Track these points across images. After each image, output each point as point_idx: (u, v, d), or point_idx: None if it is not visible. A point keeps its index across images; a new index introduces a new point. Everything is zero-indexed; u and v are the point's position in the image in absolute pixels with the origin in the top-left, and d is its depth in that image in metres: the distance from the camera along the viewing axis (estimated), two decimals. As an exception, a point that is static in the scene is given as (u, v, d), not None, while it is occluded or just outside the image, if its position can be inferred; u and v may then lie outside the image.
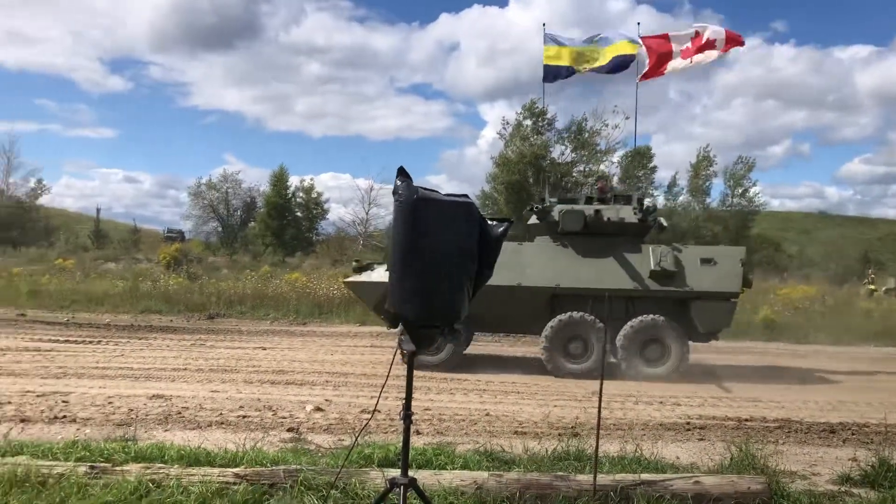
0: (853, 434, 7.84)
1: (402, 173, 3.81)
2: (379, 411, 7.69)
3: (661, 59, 13.40)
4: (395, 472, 5.13)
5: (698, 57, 13.10)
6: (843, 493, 5.65)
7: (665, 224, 12.47)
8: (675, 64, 13.27)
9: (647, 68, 13.58)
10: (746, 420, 8.36)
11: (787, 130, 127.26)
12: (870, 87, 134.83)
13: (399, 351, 3.87)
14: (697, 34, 13.17)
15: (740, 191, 45.98)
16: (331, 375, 10.48)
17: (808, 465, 6.60)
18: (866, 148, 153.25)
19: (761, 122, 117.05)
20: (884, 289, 26.17)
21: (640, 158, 44.90)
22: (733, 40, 13.16)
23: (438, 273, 3.72)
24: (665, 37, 13.40)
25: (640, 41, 13.71)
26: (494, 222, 3.98)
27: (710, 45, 13.00)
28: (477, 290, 3.92)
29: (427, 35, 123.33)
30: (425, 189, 3.79)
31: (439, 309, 3.77)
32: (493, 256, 3.91)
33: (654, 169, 45.49)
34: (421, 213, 3.71)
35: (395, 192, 3.74)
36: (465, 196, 3.92)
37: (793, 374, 12.32)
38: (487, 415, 8.18)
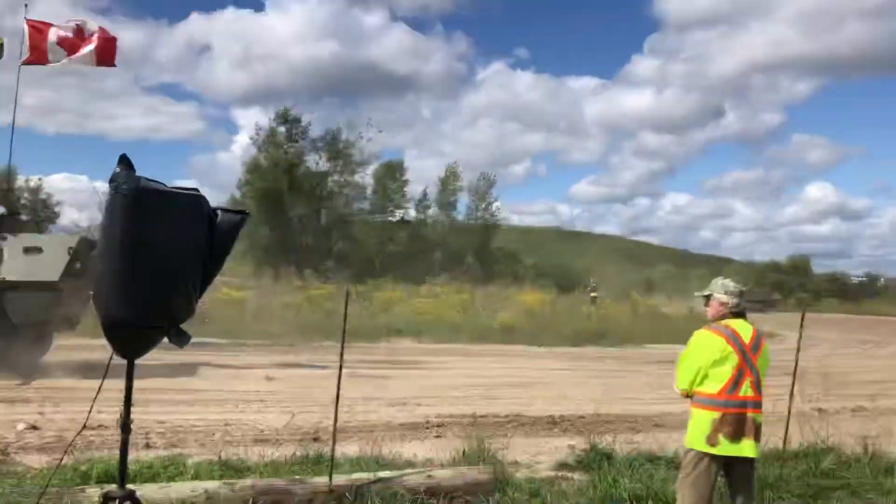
0: (572, 424, 8.60)
1: (123, 161, 3.53)
2: (106, 427, 7.13)
3: (42, 48, 12.75)
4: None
5: (77, 56, 12.89)
6: (560, 477, 6.16)
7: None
8: (57, 55, 12.76)
9: (29, 54, 12.83)
10: (481, 416, 8.83)
11: (526, 151, 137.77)
12: (595, 116, 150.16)
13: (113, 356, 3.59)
14: (79, 28, 12.85)
15: (483, 206, 48.87)
16: (49, 391, 9.49)
17: (532, 454, 7.12)
18: (592, 170, 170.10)
19: (504, 142, 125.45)
20: (591, 295, 28.86)
21: (391, 171, 46.07)
22: (107, 55, 12.97)
23: (162, 271, 3.48)
24: (48, 25, 12.79)
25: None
26: (228, 213, 3.79)
27: (88, 40, 12.79)
28: (206, 286, 3.74)
29: (177, 33, 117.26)
30: (150, 180, 3.55)
31: (163, 309, 3.53)
32: (223, 249, 3.73)
33: (406, 182, 46.85)
34: (144, 205, 3.46)
35: (112, 181, 3.44)
36: (195, 189, 3.73)
37: (526, 372, 13.25)
38: (227, 425, 7.89)
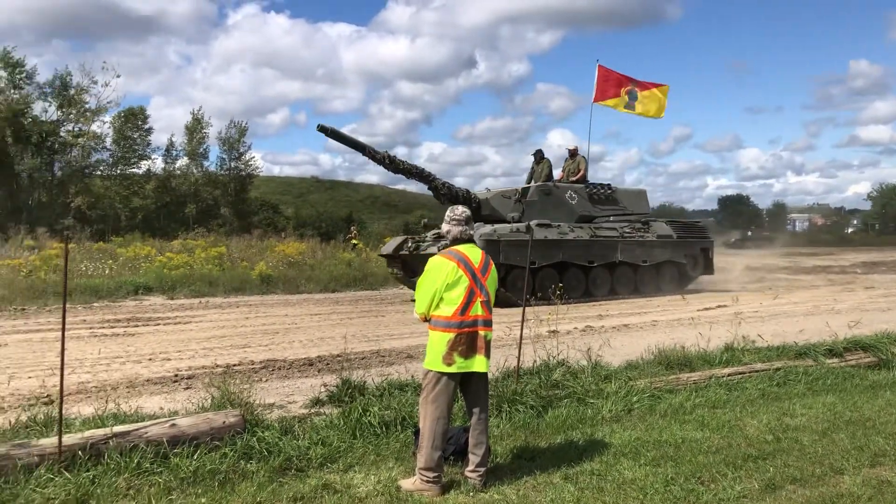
0: (328, 364, 8.68)
1: None
2: None
3: None
4: None
5: None
6: (313, 413, 6.23)
7: None
8: None
9: None
10: (235, 365, 8.63)
11: (284, 99, 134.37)
12: (353, 64, 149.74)
13: None
14: None
15: (236, 155, 47.14)
16: None
17: (286, 395, 7.12)
18: (353, 118, 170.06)
19: (260, 89, 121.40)
20: (353, 242, 28.90)
21: (133, 120, 42.86)
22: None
23: None
24: None
25: None
26: None
27: None
28: None
29: None
30: None
31: None
32: None
33: (150, 131, 43.85)
34: None
35: None
36: None
37: (284, 320, 13.12)
38: (-61, 398, 7.00)
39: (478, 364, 4.58)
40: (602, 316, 13.61)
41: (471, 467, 4.67)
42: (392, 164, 16.11)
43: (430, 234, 17.23)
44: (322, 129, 15.40)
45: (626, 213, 18.95)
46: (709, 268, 19.85)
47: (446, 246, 4.81)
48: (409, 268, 17.27)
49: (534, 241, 15.63)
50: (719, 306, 14.92)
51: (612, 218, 18.44)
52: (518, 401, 6.21)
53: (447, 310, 4.56)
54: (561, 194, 17.82)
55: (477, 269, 4.64)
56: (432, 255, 15.71)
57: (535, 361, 7.37)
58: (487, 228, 15.65)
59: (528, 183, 18.42)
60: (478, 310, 4.60)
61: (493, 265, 4.82)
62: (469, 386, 4.73)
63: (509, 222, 16.37)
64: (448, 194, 16.68)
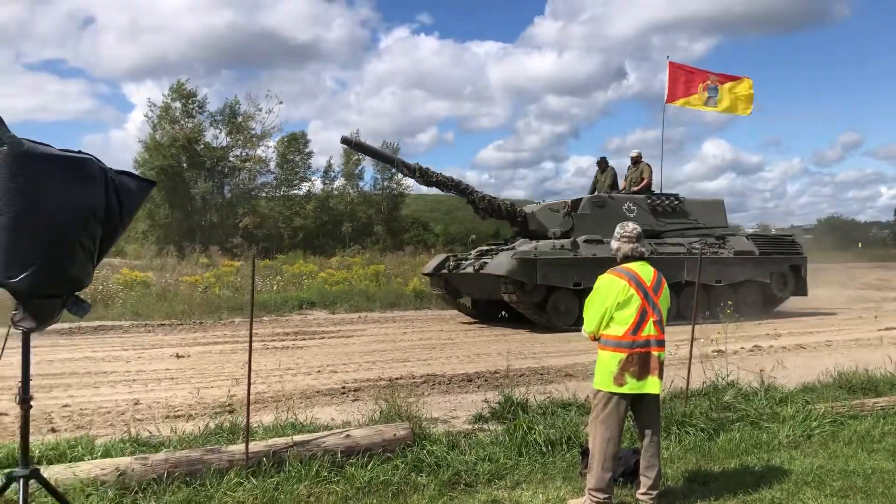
0: (486, 380, 8.76)
1: (-5, 122, 3.32)
2: (6, 414, 6.87)
3: None
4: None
5: None
6: (477, 429, 6.29)
7: None
8: None
9: None
10: (397, 378, 8.88)
11: (432, 119, 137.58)
12: (500, 81, 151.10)
13: (11, 329, 3.42)
14: None
15: (389, 174, 48.65)
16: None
17: (449, 410, 7.23)
18: (499, 135, 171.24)
19: (410, 110, 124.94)
20: None
21: (295, 144, 45.29)
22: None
23: (55, 236, 3.35)
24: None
25: None
26: (134, 177, 3.69)
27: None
28: (105, 252, 3.61)
29: (54, 5, 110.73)
30: (34, 142, 3.38)
31: (59, 276, 3.40)
32: (126, 214, 3.60)
33: (310, 154, 46.18)
34: (29, 168, 3.30)
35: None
36: (81, 152, 3.56)
37: (440, 335, 13.37)
38: (137, 403, 7.66)
39: (651, 385, 4.46)
40: (771, 335, 12.91)
41: (642, 490, 4.55)
42: (424, 177, 15.25)
43: (473, 252, 16.11)
44: (346, 141, 15.17)
45: (697, 226, 16.98)
46: (801, 287, 17.63)
47: (615, 264, 4.74)
48: (451, 287, 16.45)
49: (580, 258, 14.21)
50: (903, 326, 13.78)
51: (689, 232, 16.70)
52: (688, 423, 6.00)
53: (618, 329, 4.48)
54: (618, 206, 15.96)
55: (649, 288, 4.54)
56: (469, 273, 14.74)
57: (703, 382, 7.10)
58: (527, 246, 14.41)
59: (591, 193, 16.99)
60: (650, 329, 4.49)
61: (666, 283, 4.70)
62: (640, 407, 4.62)
63: (552, 238, 14.97)
64: (488, 208, 15.65)
